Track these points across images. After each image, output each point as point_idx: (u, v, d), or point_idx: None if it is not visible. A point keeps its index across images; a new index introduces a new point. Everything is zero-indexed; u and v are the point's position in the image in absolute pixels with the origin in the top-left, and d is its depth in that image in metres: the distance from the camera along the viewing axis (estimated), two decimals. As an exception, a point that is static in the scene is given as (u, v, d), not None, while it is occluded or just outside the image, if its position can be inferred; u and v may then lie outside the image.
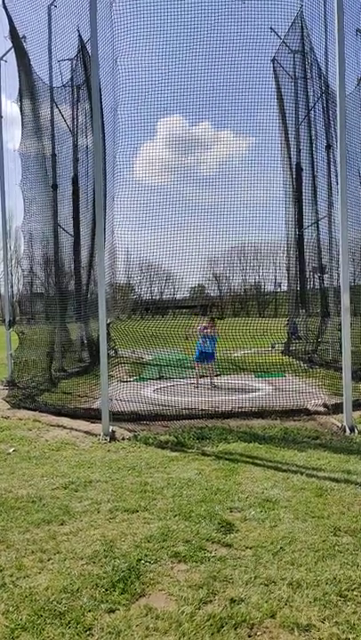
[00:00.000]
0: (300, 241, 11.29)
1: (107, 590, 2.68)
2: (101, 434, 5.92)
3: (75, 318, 10.77)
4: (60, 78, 10.75)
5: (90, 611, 2.50)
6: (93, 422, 6.56)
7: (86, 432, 6.24)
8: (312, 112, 10.27)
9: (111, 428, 6.01)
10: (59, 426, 6.58)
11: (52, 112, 10.65)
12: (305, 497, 3.87)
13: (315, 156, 10.57)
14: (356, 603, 2.53)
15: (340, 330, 6.49)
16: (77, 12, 8.93)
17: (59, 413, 7.18)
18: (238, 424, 6.41)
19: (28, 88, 9.94)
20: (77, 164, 11.20)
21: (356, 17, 9.59)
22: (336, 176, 6.80)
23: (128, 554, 3.06)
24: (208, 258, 9.61)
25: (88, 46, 8.20)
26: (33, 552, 3.12)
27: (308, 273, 11.75)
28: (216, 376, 10.29)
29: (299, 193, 11.10)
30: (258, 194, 7.84)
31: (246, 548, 3.12)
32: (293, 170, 11.26)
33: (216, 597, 2.60)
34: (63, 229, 10.86)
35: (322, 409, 7.03)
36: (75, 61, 10.78)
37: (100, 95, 7.01)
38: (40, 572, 2.89)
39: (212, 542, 3.20)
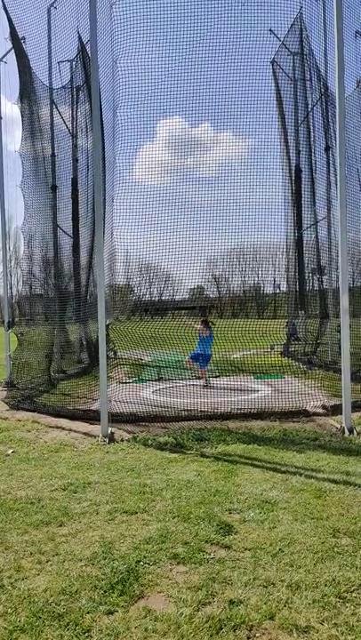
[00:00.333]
0: (299, 242, 11.31)
1: (105, 592, 2.67)
2: (100, 435, 5.92)
3: (74, 319, 10.77)
4: (59, 79, 10.79)
5: (88, 612, 2.50)
6: (92, 423, 6.56)
7: (85, 433, 6.24)
8: (311, 114, 10.29)
9: (110, 429, 6.01)
10: (57, 427, 6.57)
11: (51, 113, 10.67)
12: (304, 498, 3.87)
13: (314, 158, 10.59)
14: (355, 604, 2.52)
15: (339, 331, 6.49)
16: (77, 14, 8.97)
17: (58, 415, 7.18)
18: (237, 425, 6.41)
19: (28, 89, 9.96)
20: (77, 165, 11.21)
21: (356, 19, 9.63)
22: (335, 177, 6.80)
23: (127, 555, 3.05)
24: (207, 259, 9.63)
25: (88, 47, 8.22)
26: (32, 553, 3.11)
27: (307, 274, 11.77)
28: (215, 377, 10.29)
29: (298, 194, 11.13)
30: (257, 195, 7.86)
31: (245, 549, 3.12)
32: (293, 171, 11.29)
33: (215, 599, 2.60)
34: (63, 230, 10.87)
35: (321, 410, 7.03)
36: (74, 63, 10.81)
37: (100, 96, 7.01)
38: (39, 574, 2.88)
39: (211, 544, 3.20)
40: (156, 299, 11.56)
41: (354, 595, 2.60)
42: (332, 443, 5.58)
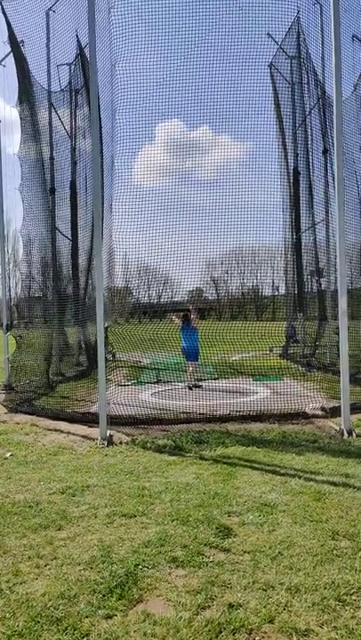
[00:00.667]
0: (297, 245, 11.34)
1: (104, 596, 2.66)
2: (99, 438, 5.90)
3: (72, 322, 10.76)
4: (58, 83, 10.82)
5: (87, 617, 2.49)
6: (91, 426, 6.54)
7: (84, 436, 6.23)
8: (309, 117, 10.33)
9: (109, 432, 6.00)
10: (56, 430, 6.56)
11: (50, 116, 10.70)
12: (303, 501, 3.87)
13: (312, 161, 10.63)
14: (355, 607, 2.52)
15: (337, 333, 6.50)
16: (75, 18, 8.99)
17: (56, 417, 7.16)
18: (236, 428, 6.41)
19: (27, 92, 9.98)
20: (76, 167, 11.22)
21: (353, 23, 9.68)
22: (333, 180, 6.82)
23: (126, 559, 3.04)
24: (206, 261, 9.63)
25: (86, 51, 8.25)
26: (30, 557, 3.10)
27: (305, 276, 11.79)
28: (214, 379, 10.28)
29: (296, 197, 11.17)
30: (256, 198, 7.87)
31: (244, 552, 3.11)
32: (291, 174, 11.32)
33: (214, 602, 2.59)
34: (61, 233, 10.88)
35: (320, 412, 7.03)
36: (73, 66, 10.84)
37: (99, 100, 7.03)
38: (37, 578, 2.87)
39: (210, 547, 3.19)
40: (155, 301, 11.56)
41: (353, 598, 2.60)
42: (331, 445, 5.58)
